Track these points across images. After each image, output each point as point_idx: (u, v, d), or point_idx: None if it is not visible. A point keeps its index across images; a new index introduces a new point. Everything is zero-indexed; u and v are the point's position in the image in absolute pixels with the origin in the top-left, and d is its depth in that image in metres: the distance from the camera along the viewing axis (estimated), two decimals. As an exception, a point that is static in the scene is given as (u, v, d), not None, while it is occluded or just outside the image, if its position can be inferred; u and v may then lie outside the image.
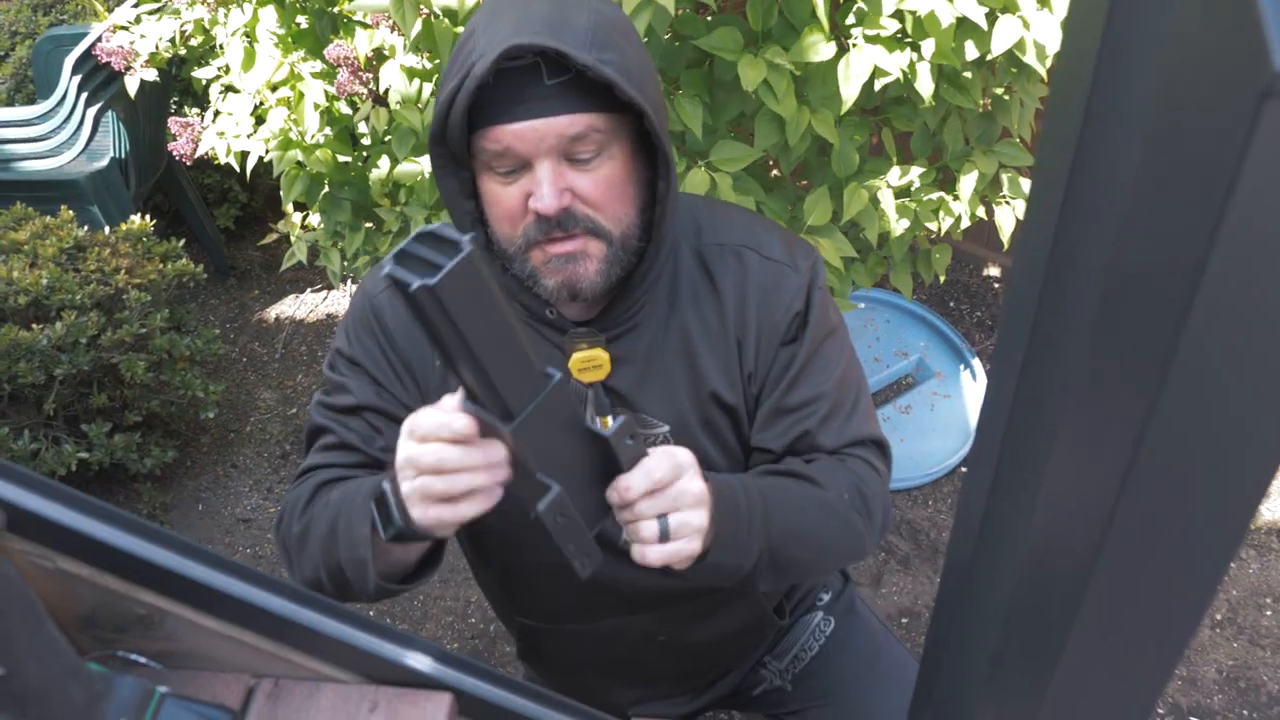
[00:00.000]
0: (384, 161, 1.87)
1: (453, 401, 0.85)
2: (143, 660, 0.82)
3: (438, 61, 1.72)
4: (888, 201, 1.79)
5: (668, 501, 0.91)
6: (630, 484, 0.87)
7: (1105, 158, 0.37)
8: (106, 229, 2.66)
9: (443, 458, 0.85)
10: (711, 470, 1.16)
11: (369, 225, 2.04)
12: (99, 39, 2.15)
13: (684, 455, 0.94)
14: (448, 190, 1.03)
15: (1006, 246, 1.96)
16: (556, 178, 0.97)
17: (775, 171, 2.11)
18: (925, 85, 1.60)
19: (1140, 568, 0.47)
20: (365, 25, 1.72)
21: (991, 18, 1.56)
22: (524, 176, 0.98)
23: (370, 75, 1.74)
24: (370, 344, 1.14)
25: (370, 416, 1.14)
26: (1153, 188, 0.34)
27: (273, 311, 3.39)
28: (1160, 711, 2.10)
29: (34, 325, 2.26)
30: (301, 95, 1.78)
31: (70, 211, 2.57)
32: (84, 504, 0.75)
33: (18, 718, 0.62)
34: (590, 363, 1.10)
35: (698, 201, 1.20)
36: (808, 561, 1.15)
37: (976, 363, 2.88)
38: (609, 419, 1.13)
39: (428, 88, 1.72)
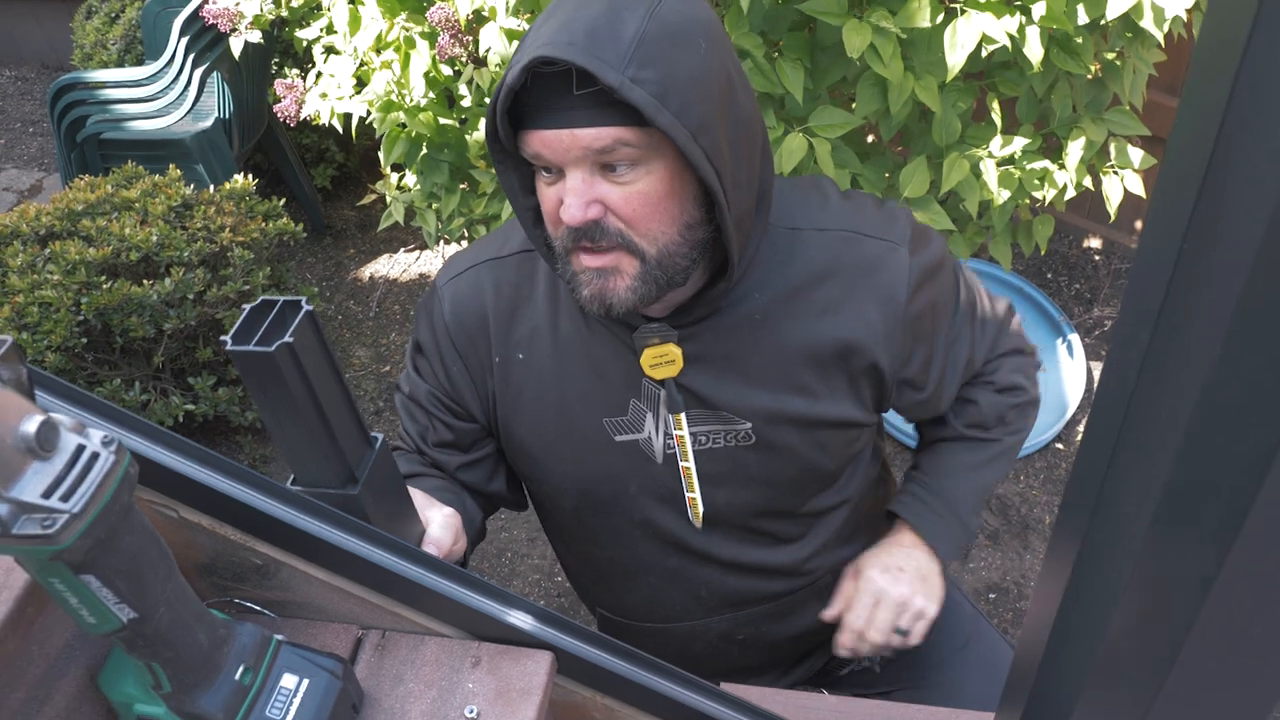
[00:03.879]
0: (483, 124, 1.88)
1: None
2: (257, 608, 0.86)
3: (537, 25, 1.72)
4: (989, 171, 1.74)
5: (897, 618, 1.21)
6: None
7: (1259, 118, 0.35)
8: (211, 188, 2.74)
9: None
10: (796, 458, 1.16)
11: (464, 187, 2.07)
12: (206, 1, 2.20)
13: (874, 584, 1.21)
14: (509, 186, 1.01)
15: (1114, 217, 1.90)
16: (585, 188, 0.93)
17: (871, 138, 2.07)
18: (1034, 50, 1.55)
19: (1254, 598, 0.45)
20: (467, -13, 1.73)
21: (1108, -22, 1.51)
22: (561, 181, 0.96)
23: (470, 38, 1.75)
24: (426, 331, 1.20)
25: (422, 409, 1.22)
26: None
27: (367, 270, 3.46)
28: None
29: (144, 281, 2.35)
30: (409, 58, 1.79)
31: (177, 170, 2.65)
32: (206, 457, 0.79)
33: (149, 659, 0.66)
34: (663, 358, 1.08)
35: (791, 185, 1.16)
36: (993, 489, 1.38)
37: (1074, 337, 2.80)
38: (681, 417, 1.12)
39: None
